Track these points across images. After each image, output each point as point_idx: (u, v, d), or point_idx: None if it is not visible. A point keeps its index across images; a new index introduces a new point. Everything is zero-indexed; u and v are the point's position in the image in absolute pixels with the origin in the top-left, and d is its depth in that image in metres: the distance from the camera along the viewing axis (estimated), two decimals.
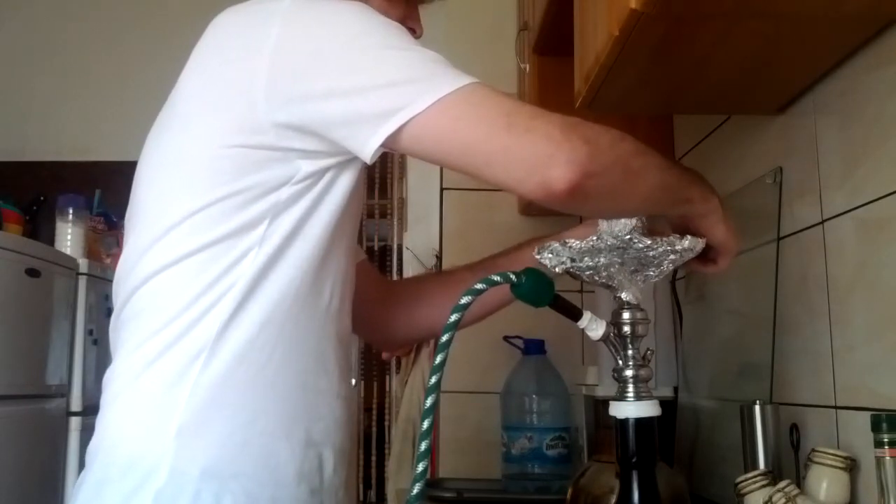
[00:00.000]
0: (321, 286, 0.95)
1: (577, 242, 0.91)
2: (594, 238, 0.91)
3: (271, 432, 0.91)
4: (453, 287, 1.19)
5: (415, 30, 1.11)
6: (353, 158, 0.90)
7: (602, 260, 0.91)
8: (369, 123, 0.84)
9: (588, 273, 0.93)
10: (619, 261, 0.91)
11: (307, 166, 0.90)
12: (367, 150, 0.86)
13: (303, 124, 0.87)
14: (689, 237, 0.92)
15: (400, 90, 0.84)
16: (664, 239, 0.91)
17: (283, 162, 0.89)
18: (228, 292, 0.89)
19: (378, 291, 1.20)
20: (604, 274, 0.93)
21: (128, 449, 0.89)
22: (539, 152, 0.80)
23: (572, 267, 0.92)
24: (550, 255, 0.92)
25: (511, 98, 0.86)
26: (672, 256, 0.92)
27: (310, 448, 0.94)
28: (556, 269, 0.92)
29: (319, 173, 0.91)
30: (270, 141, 0.88)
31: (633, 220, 0.93)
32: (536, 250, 0.93)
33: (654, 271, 0.93)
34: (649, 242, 0.90)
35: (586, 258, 0.92)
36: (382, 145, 0.85)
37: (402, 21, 1.08)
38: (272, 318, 0.91)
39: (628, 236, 0.90)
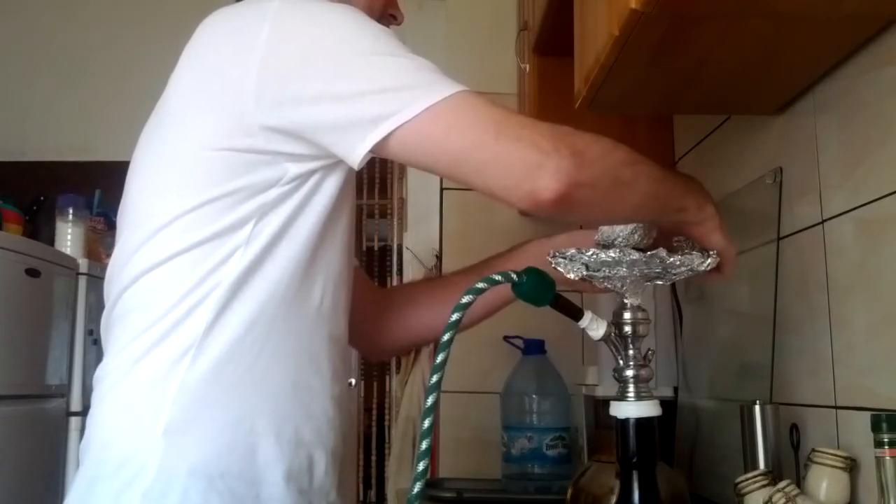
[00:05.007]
0: (311, 286, 0.95)
1: (597, 253, 0.91)
2: (616, 252, 0.91)
3: (260, 431, 0.91)
4: (444, 290, 1.20)
5: (395, 16, 1.11)
6: (341, 161, 0.90)
7: (622, 271, 0.91)
8: (358, 129, 0.84)
9: (600, 280, 0.93)
10: (638, 273, 0.91)
11: (295, 168, 0.90)
12: (356, 155, 0.86)
13: (291, 128, 0.87)
14: (710, 257, 0.92)
15: (390, 97, 0.84)
16: (688, 256, 0.91)
17: (271, 164, 0.89)
18: (214, 291, 0.89)
19: (369, 299, 1.20)
20: (617, 284, 0.93)
21: (117, 446, 0.90)
22: (527, 161, 0.81)
23: (587, 275, 0.92)
24: (564, 261, 0.92)
25: (501, 107, 0.86)
26: (690, 273, 0.92)
27: (300, 448, 0.94)
28: (571, 276, 0.92)
29: (306, 175, 0.91)
30: (259, 144, 0.88)
31: (631, 226, 0.93)
32: (551, 254, 0.93)
33: (664, 280, 0.94)
34: (671, 261, 0.90)
35: (604, 269, 0.91)
36: (371, 151, 0.85)
37: (384, 8, 1.09)
38: (260, 317, 0.91)
39: (652, 252, 0.90)
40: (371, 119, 0.84)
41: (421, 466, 0.76)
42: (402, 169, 3.43)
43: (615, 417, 0.91)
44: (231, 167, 0.89)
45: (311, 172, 0.91)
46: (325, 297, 0.97)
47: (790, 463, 1.15)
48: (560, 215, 0.85)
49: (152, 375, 0.89)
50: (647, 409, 0.90)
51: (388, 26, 1.08)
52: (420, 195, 3.22)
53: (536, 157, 0.81)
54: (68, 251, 2.67)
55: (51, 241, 2.73)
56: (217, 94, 0.90)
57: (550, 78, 1.78)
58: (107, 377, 0.93)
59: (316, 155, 0.90)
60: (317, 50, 0.87)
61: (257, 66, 0.86)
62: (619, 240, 0.94)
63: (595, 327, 0.93)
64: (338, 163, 0.91)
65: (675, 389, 1.58)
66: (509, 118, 0.85)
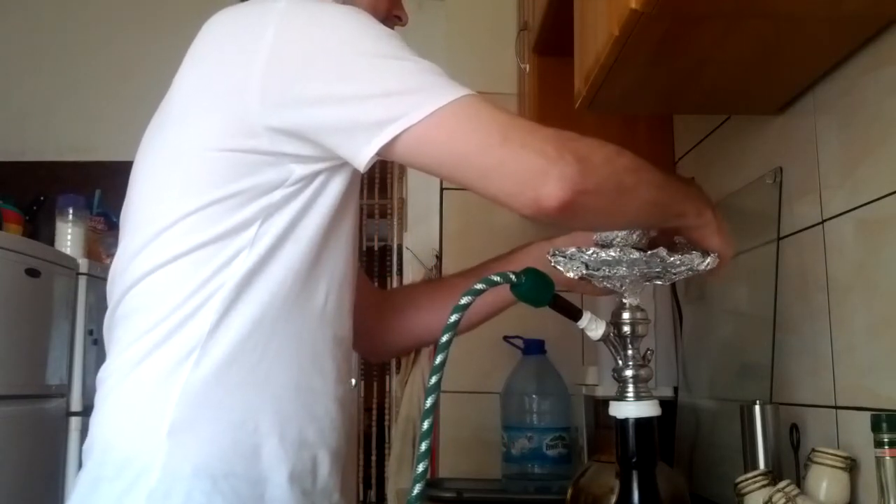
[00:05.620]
0: (314, 287, 0.95)
1: (597, 252, 0.91)
2: (616, 251, 0.90)
3: (263, 432, 0.91)
4: (444, 292, 1.20)
5: (400, 17, 1.11)
6: (346, 162, 0.90)
7: (621, 270, 0.91)
8: (364, 132, 0.84)
9: (600, 279, 0.93)
10: (638, 273, 0.91)
11: (300, 170, 0.90)
12: (361, 158, 0.86)
13: (296, 129, 0.87)
14: (710, 258, 0.92)
15: (396, 100, 0.84)
16: (688, 256, 0.91)
17: (275, 166, 0.89)
18: (218, 292, 0.89)
19: (369, 300, 1.20)
20: (617, 283, 0.93)
21: (120, 447, 0.89)
22: (532, 168, 0.81)
23: (587, 274, 0.92)
24: (563, 260, 0.92)
25: (506, 111, 0.86)
26: (690, 273, 0.92)
27: (304, 449, 0.94)
28: (570, 274, 0.92)
29: (311, 176, 0.91)
30: (263, 145, 0.88)
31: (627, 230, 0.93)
32: (551, 252, 0.93)
33: (664, 280, 0.94)
34: (671, 260, 0.90)
35: (604, 268, 0.91)
36: (377, 154, 0.85)
37: (389, 10, 1.09)
38: (264, 319, 0.91)
39: (652, 252, 0.90)
40: (376, 122, 0.84)
41: (421, 468, 0.76)
42: (402, 169, 3.43)
43: (615, 417, 0.91)
44: (235, 168, 0.89)
45: (316, 174, 0.91)
46: (330, 298, 0.97)
47: (790, 463, 1.15)
48: (563, 221, 0.85)
49: (155, 376, 0.89)
50: (646, 409, 0.90)
51: (392, 27, 1.08)
52: (420, 195, 3.23)
53: (542, 164, 0.81)
54: (68, 251, 2.67)
55: (51, 241, 2.73)
56: (221, 94, 0.89)
57: (550, 78, 1.78)
58: (109, 378, 0.93)
59: (321, 156, 0.90)
60: (321, 51, 0.87)
61: (262, 67, 0.86)
62: (618, 239, 0.94)
63: (594, 327, 0.93)
64: (343, 164, 0.91)
65: (675, 389, 1.58)
66: (514, 123, 0.85)
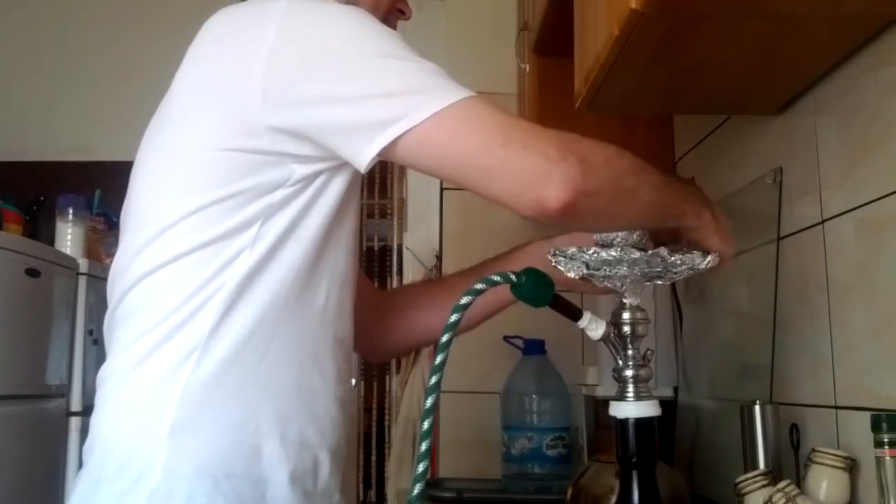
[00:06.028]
0: (316, 287, 0.95)
1: (597, 252, 0.91)
2: (617, 251, 0.91)
3: (265, 432, 0.91)
4: (444, 292, 1.20)
5: (403, 11, 1.11)
6: (347, 162, 0.90)
7: (622, 270, 0.91)
8: (365, 133, 0.84)
9: (601, 279, 0.93)
10: (639, 272, 0.91)
11: (301, 170, 0.90)
12: (362, 159, 0.86)
13: (297, 129, 0.87)
14: (710, 256, 0.92)
15: (397, 100, 0.84)
16: (689, 256, 0.91)
17: (277, 165, 0.89)
18: (219, 292, 0.89)
19: (369, 300, 1.19)
20: (617, 283, 0.93)
21: (121, 447, 0.89)
22: (534, 169, 0.81)
23: (587, 274, 0.92)
24: (564, 260, 0.92)
25: (508, 113, 0.86)
26: (690, 272, 0.92)
27: (305, 450, 0.94)
28: (571, 274, 0.92)
29: (312, 176, 0.91)
30: (265, 145, 0.88)
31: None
32: (552, 252, 0.93)
33: (664, 280, 0.94)
34: (672, 259, 0.90)
35: (605, 268, 0.91)
36: (378, 155, 0.85)
37: (392, 4, 1.09)
38: (265, 319, 0.91)
39: (653, 251, 0.90)
40: (378, 122, 0.84)
41: (421, 468, 0.76)
42: (402, 169, 3.43)
43: (615, 417, 0.91)
44: (236, 168, 0.89)
45: (318, 174, 0.91)
46: (331, 299, 0.97)
47: (790, 463, 1.15)
48: (564, 223, 0.85)
49: (156, 377, 0.89)
50: (646, 409, 0.90)
51: (396, 21, 1.08)
52: (420, 195, 3.23)
53: (544, 166, 0.81)
54: (68, 251, 2.67)
55: (51, 241, 2.73)
56: (221, 94, 0.89)
57: (550, 78, 1.78)
58: (110, 378, 0.93)
59: (322, 156, 0.90)
60: (322, 51, 0.87)
61: (263, 67, 0.86)
62: (619, 239, 0.94)
63: (594, 327, 0.93)
64: (344, 164, 0.91)
65: (675, 389, 1.58)
66: (516, 124, 0.85)
